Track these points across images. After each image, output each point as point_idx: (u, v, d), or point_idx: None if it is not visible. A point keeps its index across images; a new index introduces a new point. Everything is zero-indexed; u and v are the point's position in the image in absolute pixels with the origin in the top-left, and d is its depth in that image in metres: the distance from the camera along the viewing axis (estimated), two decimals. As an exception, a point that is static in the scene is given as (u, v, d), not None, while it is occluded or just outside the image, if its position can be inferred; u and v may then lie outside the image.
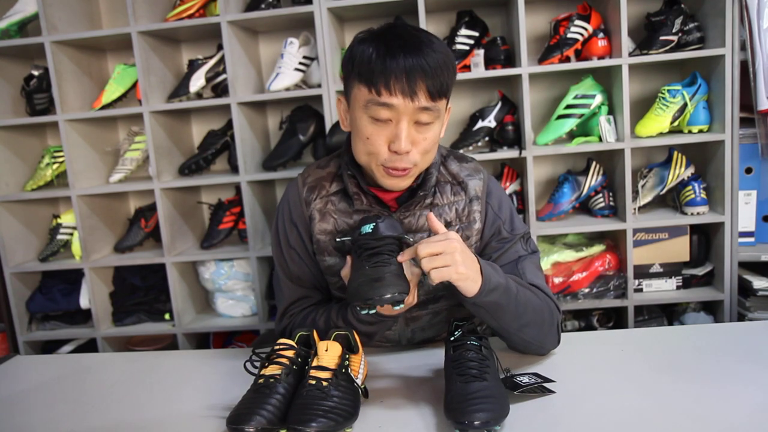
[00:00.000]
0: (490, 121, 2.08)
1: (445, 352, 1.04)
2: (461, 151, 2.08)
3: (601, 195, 2.08)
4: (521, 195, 2.13)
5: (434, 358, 1.19)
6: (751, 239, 2.03)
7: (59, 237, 2.25)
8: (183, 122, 2.34)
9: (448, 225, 1.18)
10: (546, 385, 1.01)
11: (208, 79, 2.12)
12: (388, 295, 0.94)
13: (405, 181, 1.12)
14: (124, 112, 2.14)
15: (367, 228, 1.03)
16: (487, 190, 1.21)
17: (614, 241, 2.14)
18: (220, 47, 2.14)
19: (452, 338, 1.03)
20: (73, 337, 2.32)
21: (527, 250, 1.20)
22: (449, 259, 0.96)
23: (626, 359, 1.14)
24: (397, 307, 0.98)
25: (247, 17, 2.00)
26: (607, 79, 2.06)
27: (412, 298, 1.07)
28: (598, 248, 2.10)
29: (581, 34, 1.98)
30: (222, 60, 2.09)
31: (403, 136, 1.03)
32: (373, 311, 0.98)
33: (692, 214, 1.99)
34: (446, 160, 1.23)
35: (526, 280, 1.14)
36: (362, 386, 1.00)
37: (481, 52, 2.03)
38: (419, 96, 1.01)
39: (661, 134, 1.99)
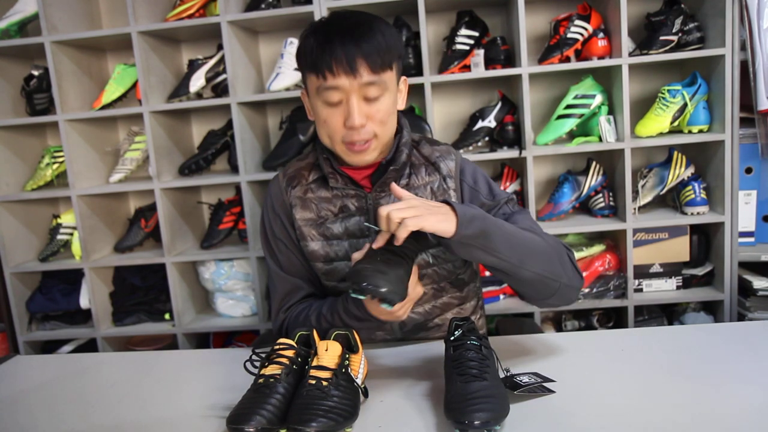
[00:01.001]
0: (490, 121, 2.08)
1: (445, 351, 1.04)
2: (461, 151, 2.08)
3: (601, 195, 2.08)
4: (521, 195, 2.13)
5: (434, 357, 1.19)
6: (751, 239, 2.03)
7: (59, 237, 2.25)
8: (183, 122, 2.34)
9: None
10: (546, 385, 1.01)
11: (208, 79, 2.12)
12: (383, 289, 0.94)
13: (369, 155, 1.16)
14: (124, 112, 2.14)
15: None
16: (460, 169, 1.25)
17: (614, 241, 2.14)
18: (220, 47, 2.14)
19: (452, 338, 1.03)
20: (73, 337, 2.32)
21: (514, 209, 1.22)
22: (414, 211, 0.97)
23: (626, 359, 1.14)
24: (385, 306, 0.97)
25: (247, 17, 2.00)
26: (607, 79, 2.06)
27: (403, 312, 1.08)
28: (598, 248, 2.10)
29: (581, 34, 1.98)
30: (222, 60, 2.09)
31: (354, 113, 1.10)
32: (362, 297, 0.97)
33: (692, 214, 1.99)
34: (419, 144, 1.28)
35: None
36: (362, 386, 1.00)
37: (481, 52, 2.03)
38: (361, 72, 1.08)
39: (661, 134, 1.99)
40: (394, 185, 1.05)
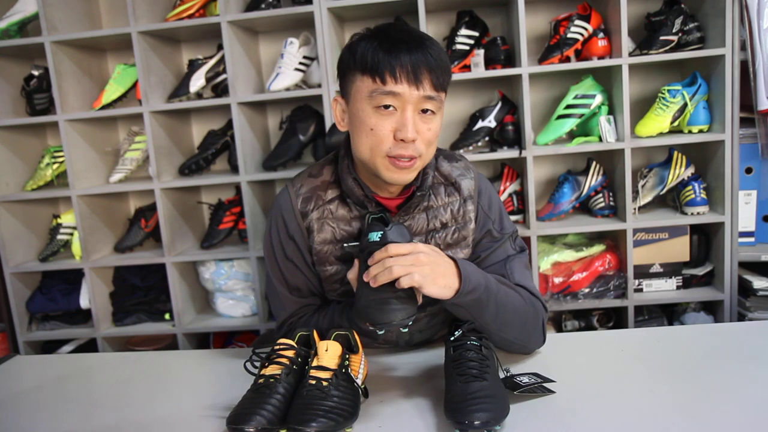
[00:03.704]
0: (490, 121, 2.08)
1: (445, 352, 1.04)
2: (461, 151, 2.08)
3: (601, 195, 2.08)
4: (521, 195, 2.13)
5: (434, 358, 1.19)
6: (751, 239, 2.03)
7: (59, 237, 2.25)
8: (183, 122, 2.34)
9: (444, 226, 1.18)
10: (546, 385, 1.01)
11: (208, 79, 2.12)
12: (396, 321, 0.95)
13: (410, 174, 1.10)
14: (124, 112, 2.14)
15: (375, 236, 1.02)
16: (478, 190, 1.21)
17: (614, 241, 2.13)
18: (220, 47, 2.14)
19: (452, 338, 1.03)
20: (73, 337, 2.32)
21: (515, 249, 1.22)
22: (421, 271, 0.97)
23: (626, 359, 1.14)
24: (405, 330, 0.98)
25: (247, 17, 2.00)
26: (607, 79, 2.06)
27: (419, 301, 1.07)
28: (598, 248, 2.10)
29: (581, 34, 1.98)
30: (222, 60, 2.09)
31: (409, 124, 1.03)
32: (381, 332, 0.98)
33: (692, 214, 1.99)
34: (437, 160, 1.22)
35: (513, 280, 1.15)
36: (362, 386, 1.00)
37: (481, 52, 2.03)
38: (424, 85, 1.03)
39: (661, 134, 1.99)
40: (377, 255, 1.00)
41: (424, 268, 0.97)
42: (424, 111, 1.06)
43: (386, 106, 1.04)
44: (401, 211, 1.16)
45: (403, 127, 1.04)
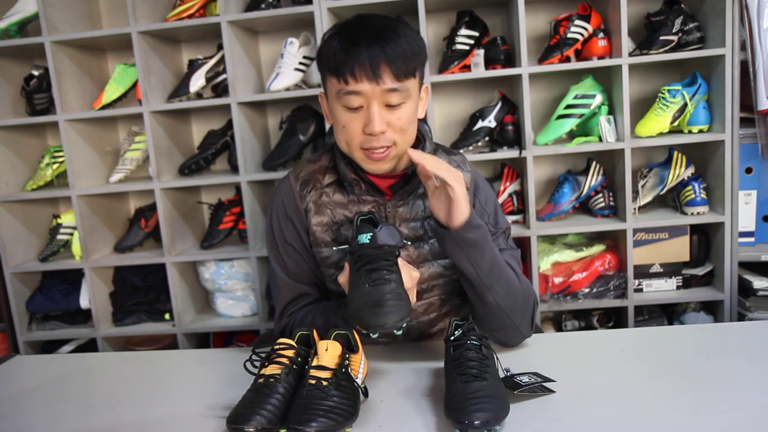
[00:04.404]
0: (490, 121, 2.08)
1: (445, 351, 1.04)
2: (461, 150, 2.08)
3: (601, 195, 2.08)
4: (521, 195, 2.13)
5: (434, 357, 1.19)
6: (751, 239, 2.03)
7: (59, 237, 2.25)
8: (183, 122, 2.34)
9: None
10: (546, 384, 1.01)
11: (208, 79, 2.12)
12: (389, 324, 0.94)
13: (386, 164, 1.14)
14: (124, 112, 2.14)
15: (365, 238, 1.02)
16: (475, 184, 1.25)
17: (614, 241, 2.14)
18: (220, 47, 2.14)
19: (452, 338, 1.03)
20: (73, 337, 2.32)
21: (508, 245, 1.25)
22: (457, 180, 1.04)
23: (626, 359, 1.14)
24: (399, 333, 0.97)
25: (247, 17, 2.00)
26: (607, 79, 2.06)
27: (412, 298, 1.08)
28: (598, 248, 2.10)
29: (581, 34, 1.98)
30: (222, 60, 2.09)
31: (375, 119, 1.08)
32: (375, 335, 0.98)
33: (692, 214, 1.99)
34: (435, 153, 1.26)
35: None
36: (362, 386, 1.00)
37: (481, 52, 2.03)
38: (384, 79, 1.06)
39: (661, 134, 1.99)
40: (412, 152, 1.07)
41: (457, 177, 1.05)
42: (391, 103, 1.09)
43: (354, 106, 1.09)
44: (396, 195, 1.19)
45: (370, 122, 1.08)
